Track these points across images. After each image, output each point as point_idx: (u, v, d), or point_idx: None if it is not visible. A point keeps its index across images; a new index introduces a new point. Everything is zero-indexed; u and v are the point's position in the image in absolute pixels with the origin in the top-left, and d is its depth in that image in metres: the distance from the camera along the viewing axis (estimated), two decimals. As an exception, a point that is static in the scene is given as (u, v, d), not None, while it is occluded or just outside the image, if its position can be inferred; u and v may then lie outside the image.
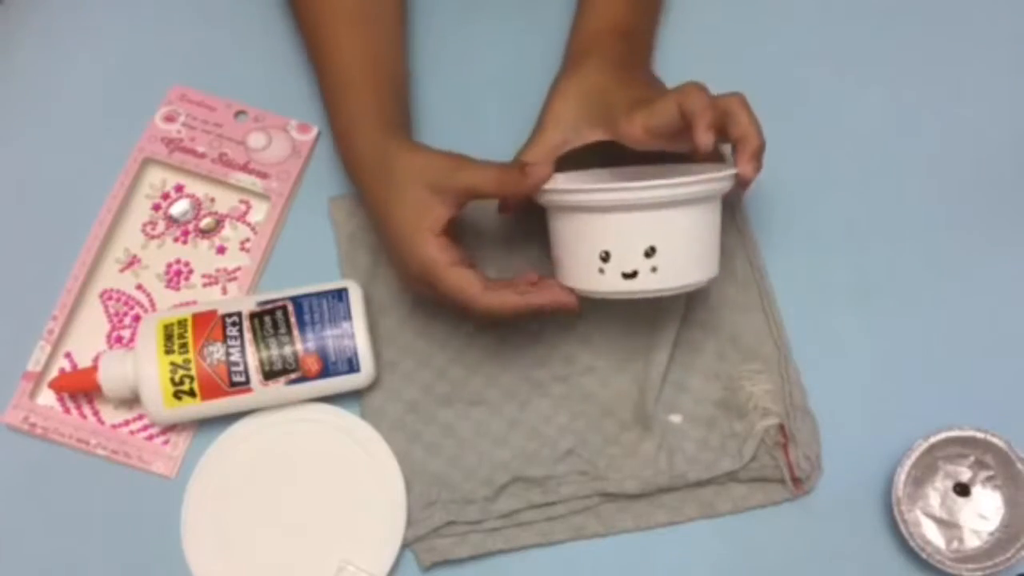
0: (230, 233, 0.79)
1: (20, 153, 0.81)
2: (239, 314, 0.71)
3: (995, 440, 0.70)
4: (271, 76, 0.82)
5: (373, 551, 0.71)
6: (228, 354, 0.70)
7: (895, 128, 0.82)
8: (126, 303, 0.77)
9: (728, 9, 0.85)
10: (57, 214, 0.79)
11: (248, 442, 0.73)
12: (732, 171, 0.64)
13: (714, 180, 0.64)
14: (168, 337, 0.70)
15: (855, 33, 0.84)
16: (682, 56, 0.82)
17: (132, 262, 0.78)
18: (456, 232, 0.69)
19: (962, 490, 0.72)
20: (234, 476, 0.73)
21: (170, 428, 0.74)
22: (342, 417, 0.73)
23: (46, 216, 0.79)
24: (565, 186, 0.66)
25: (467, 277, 0.66)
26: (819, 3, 0.85)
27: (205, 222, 0.79)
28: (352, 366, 0.72)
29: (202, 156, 0.79)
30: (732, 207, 0.78)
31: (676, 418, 0.74)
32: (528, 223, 0.73)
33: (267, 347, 0.71)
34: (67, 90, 0.82)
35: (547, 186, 0.65)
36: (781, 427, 0.73)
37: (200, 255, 0.78)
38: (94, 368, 0.72)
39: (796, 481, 0.72)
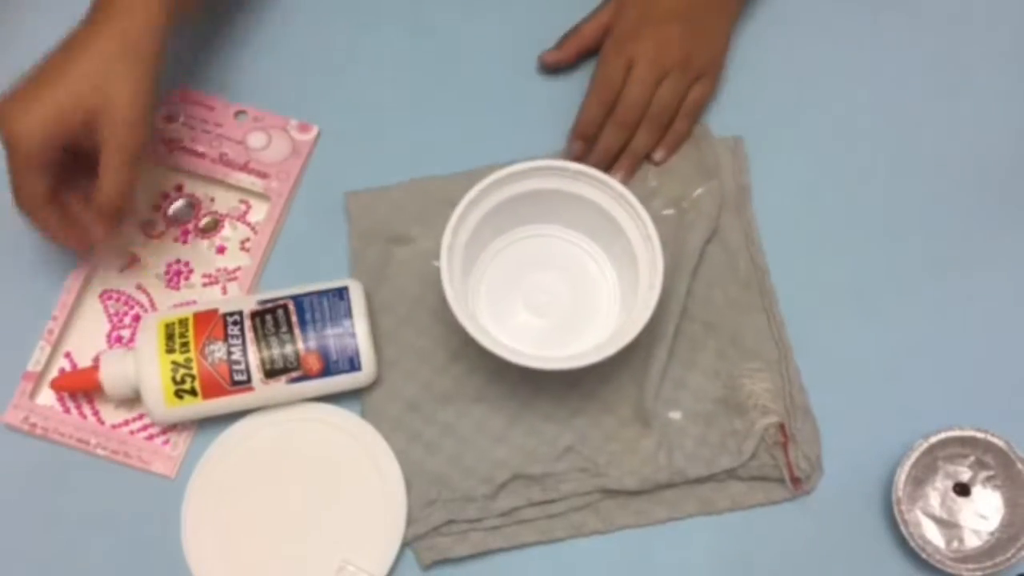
0: (230, 233, 0.79)
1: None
2: (240, 313, 0.71)
3: (995, 440, 0.70)
4: (271, 76, 0.83)
5: (373, 550, 0.71)
6: (230, 353, 0.70)
7: (897, 127, 0.82)
8: (126, 303, 0.77)
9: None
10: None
11: (248, 441, 0.73)
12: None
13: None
14: (169, 336, 0.70)
15: (854, 34, 0.85)
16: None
17: (132, 262, 0.78)
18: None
19: (962, 490, 0.72)
20: (235, 475, 0.73)
21: (171, 428, 0.74)
22: (342, 416, 0.73)
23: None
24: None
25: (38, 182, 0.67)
26: (817, 4, 0.86)
27: (205, 222, 0.79)
28: (353, 365, 0.72)
29: (202, 156, 0.79)
30: (739, 207, 0.79)
31: (676, 415, 0.74)
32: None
33: (268, 346, 0.70)
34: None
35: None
36: (781, 426, 0.73)
37: (200, 255, 0.78)
38: (95, 367, 0.72)
39: (795, 481, 0.72)
